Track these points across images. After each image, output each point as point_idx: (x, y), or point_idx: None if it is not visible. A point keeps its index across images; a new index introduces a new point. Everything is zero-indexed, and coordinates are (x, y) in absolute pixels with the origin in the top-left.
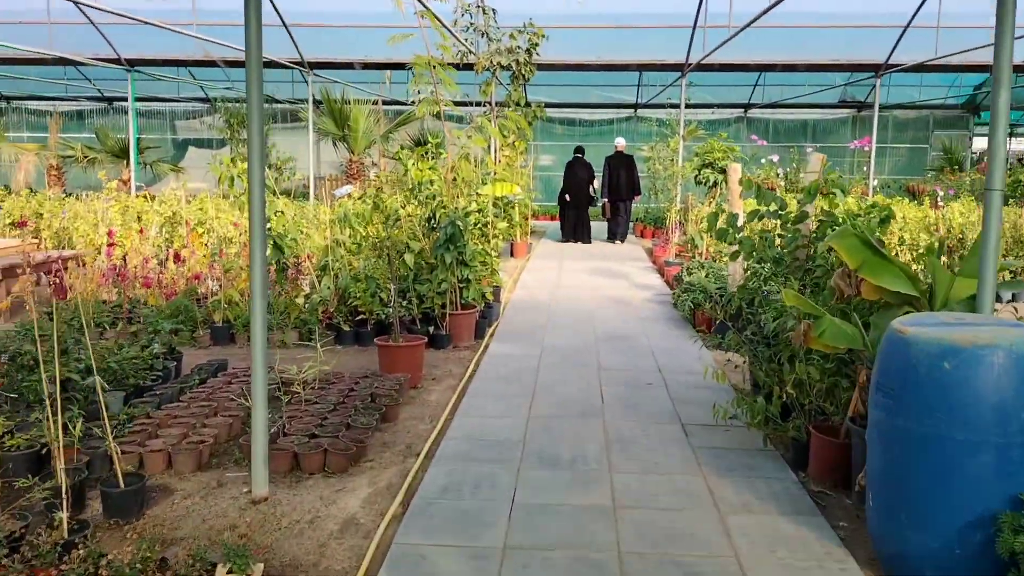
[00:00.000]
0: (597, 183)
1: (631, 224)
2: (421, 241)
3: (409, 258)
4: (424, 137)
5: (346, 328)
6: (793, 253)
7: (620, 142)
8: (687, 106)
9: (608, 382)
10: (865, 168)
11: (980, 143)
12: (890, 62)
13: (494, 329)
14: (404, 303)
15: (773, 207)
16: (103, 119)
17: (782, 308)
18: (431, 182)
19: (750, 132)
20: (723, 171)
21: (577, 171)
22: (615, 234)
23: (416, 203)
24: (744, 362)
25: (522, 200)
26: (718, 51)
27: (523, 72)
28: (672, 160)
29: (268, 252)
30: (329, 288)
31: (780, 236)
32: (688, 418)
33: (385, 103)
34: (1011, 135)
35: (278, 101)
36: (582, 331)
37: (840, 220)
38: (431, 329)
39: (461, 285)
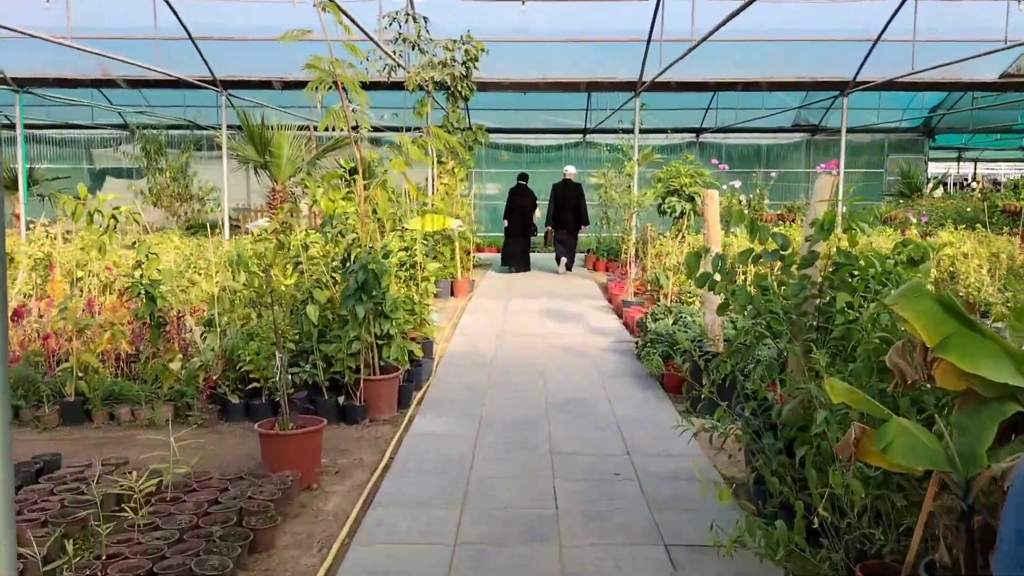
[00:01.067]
0: (540, 211)
1: (581, 256)
2: (330, 289)
3: (312, 311)
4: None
5: (235, 400)
6: (800, 306)
7: (570, 170)
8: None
9: (564, 473)
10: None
11: (936, 167)
12: (858, 79)
13: (423, 393)
14: (307, 368)
15: (772, 246)
16: None
17: (794, 384)
18: (346, 215)
19: (703, 157)
20: (691, 199)
21: (519, 199)
22: (561, 264)
23: (326, 241)
24: (739, 449)
25: (463, 232)
26: (673, 69)
27: (460, 90)
28: (628, 187)
29: (142, 305)
30: (213, 349)
31: (781, 284)
32: (673, 534)
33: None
34: (959, 159)
35: (200, 127)
36: (530, 394)
37: (862, 264)
38: (341, 399)
39: (381, 342)
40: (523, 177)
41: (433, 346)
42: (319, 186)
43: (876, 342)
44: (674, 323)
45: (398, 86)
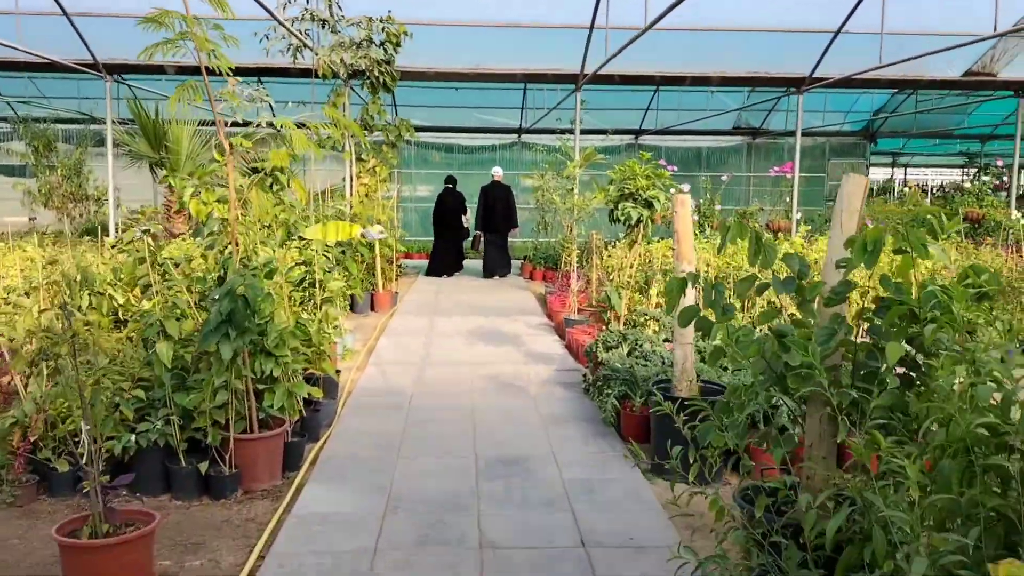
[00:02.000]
0: (470, 215)
1: (517, 263)
2: (195, 318)
3: (165, 350)
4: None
5: (61, 467)
6: (828, 356)
7: (497, 171)
8: (559, 133)
9: None
10: (788, 199)
11: (876, 173)
12: (815, 75)
13: (318, 449)
14: (158, 425)
15: (784, 272)
16: None
17: (823, 468)
18: (224, 221)
19: (642, 160)
20: (649, 205)
21: (447, 201)
22: (492, 270)
23: (197, 256)
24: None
25: (385, 239)
26: (617, 61)
27: (379, 76)
28: (570, 190)
29: None
30: (36, 401)
31: (799, 325)
32: None
33: (236, 124)
34: (892, 164)
35: (96, 120)
36: (456, 450)
37: (915, 300)
38: (205, 466)
39: (263, 387)
40: (450, 180)
41: (338, 385)
42: (185, 183)
43: (982, 433)
44: (629, 353)
45: (308, 74)
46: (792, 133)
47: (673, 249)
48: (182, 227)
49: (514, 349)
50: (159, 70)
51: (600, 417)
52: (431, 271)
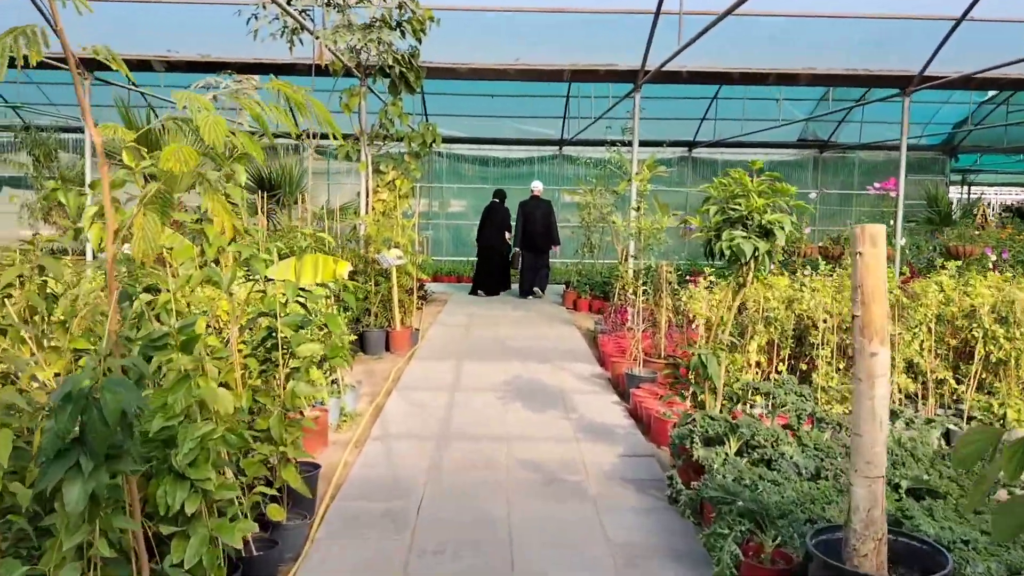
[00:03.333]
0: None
1: (559, 287)
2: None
3: None
4: (272, 172)
5: None
6: None
7: (537, 186)
8: (626, 144)
9: None
10: (892, 222)
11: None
12: (926, 73)
13: None
14: None
15: None
16: None
17: None
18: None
19: (696, 174)
20: (767, 234)
21: (492, 217)
22: (527, 289)
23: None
24: None
25: (404, 266)
26: (685, 54)
27: (401, 73)
28: (635, 208)
29: None
30: None
31: None
32: None
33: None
34: (963, 183)
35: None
36: None
37: None
38: None
39: (171, 529)
40: (497, 194)
41: (321, 477)
42: (83, 200)
43: None
44: (740, 452)
45: (316, 72)
46: (866, 146)
47: (855, 316)
48: None
49: (562, 416)
50: (146, 66)
51: (703, 552)
52: (473, 289)
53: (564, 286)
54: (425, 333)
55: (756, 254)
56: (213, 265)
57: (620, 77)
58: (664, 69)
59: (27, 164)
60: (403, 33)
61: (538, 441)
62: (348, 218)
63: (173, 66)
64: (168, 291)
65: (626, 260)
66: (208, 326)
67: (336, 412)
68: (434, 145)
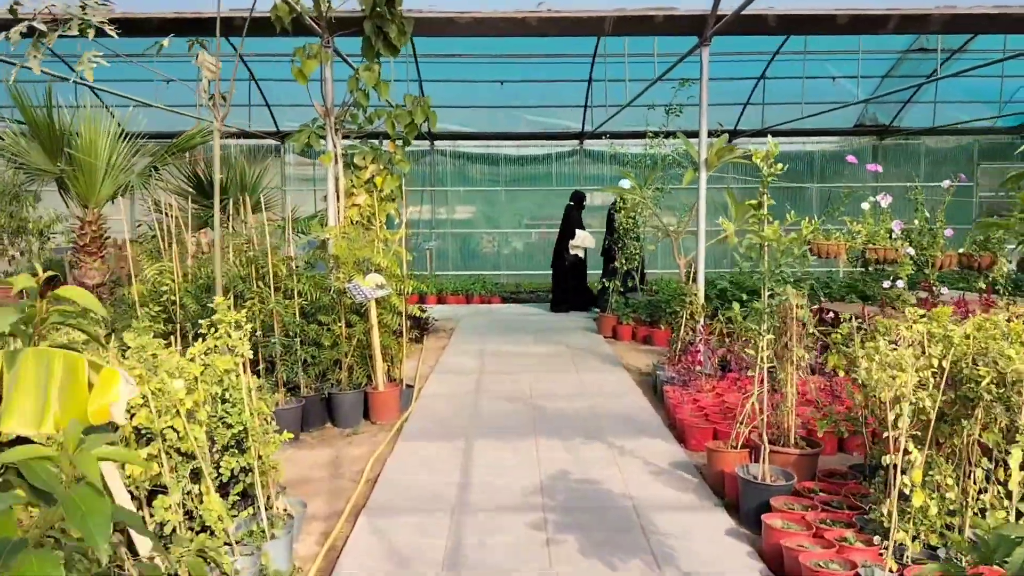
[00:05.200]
0: (580, 239)
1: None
2: None
3: None
4: (210, 173)
5: None
6: None
7: (626, 186)
8: (652, 136)
9: None
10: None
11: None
12: None
13: None
14: None
15: None
16: None
17: None
18: None
19: (737, 167)
20: None
21: (562, 223)
22: (558, 303)
23: None
24: None
25: (389, 297)
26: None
27: (378, 26)
28: (757, 216)
29: None
30: None
31: None
32: None
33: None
34: None
35: None
36: None
37: None
38: None
39: None
40: (573, 197)
41: None
42: None
43: None
44: None
45: (265, 32)
46: (933, 131)
47: None
48: (97, 274)
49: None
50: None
51: None
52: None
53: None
54: (422, 387)
55: None
56: None
57: (681, 27)
58: (745, 12)
59: None
60: None
61: None
62: (314, 230)
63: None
64: None
65: (693, 279)
66: None
67: None
68: (428, 126)
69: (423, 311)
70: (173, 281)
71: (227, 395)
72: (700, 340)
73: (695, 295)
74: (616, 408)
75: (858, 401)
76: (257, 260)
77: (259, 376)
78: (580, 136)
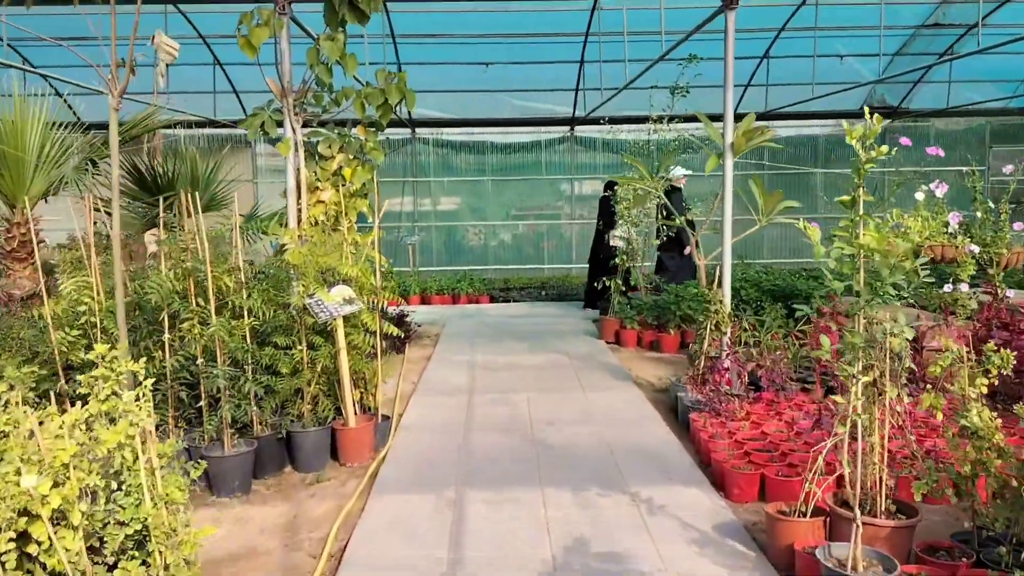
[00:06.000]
0: (622, 230)
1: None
2: None
3: None
4: (156, 166)
5: None
6: None
7: (678, 173)
8: (655, 120)
9: None
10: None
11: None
12: None
13: None
14: None
15: None
16: None
17: None
18: None
19: (747, 152)
20: None
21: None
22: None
23: None
24: None
25: (359, 314)
26: None
27: None
28: (850, 201)
29: None
30: None
31: None
32: None
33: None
34: None
35: None
36: None
37: None
38: None
39: None
40: (608, 186)
41: None
42: None
43: None
44: None
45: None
46: (943, 112)
47: None
48: (28, 283)
49: None
50: None
51: None
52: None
53: (597, 310)
54: (403, 412)
55: None
56: None
57: None
58: None
59: None
60: None
61: None
62: (272, 232)
63: None
64: None
65: (718, 283)
66: None
67: None
68: (407, 109)
69: (404, 320)
70: (92, 299)
71: (122, 478)
72: (727, 356)
73: (720, 302)
74: (634, 440)
75: (967, 454)
76: (195, 272)
77: (199, 416)
78: (571, 122)
